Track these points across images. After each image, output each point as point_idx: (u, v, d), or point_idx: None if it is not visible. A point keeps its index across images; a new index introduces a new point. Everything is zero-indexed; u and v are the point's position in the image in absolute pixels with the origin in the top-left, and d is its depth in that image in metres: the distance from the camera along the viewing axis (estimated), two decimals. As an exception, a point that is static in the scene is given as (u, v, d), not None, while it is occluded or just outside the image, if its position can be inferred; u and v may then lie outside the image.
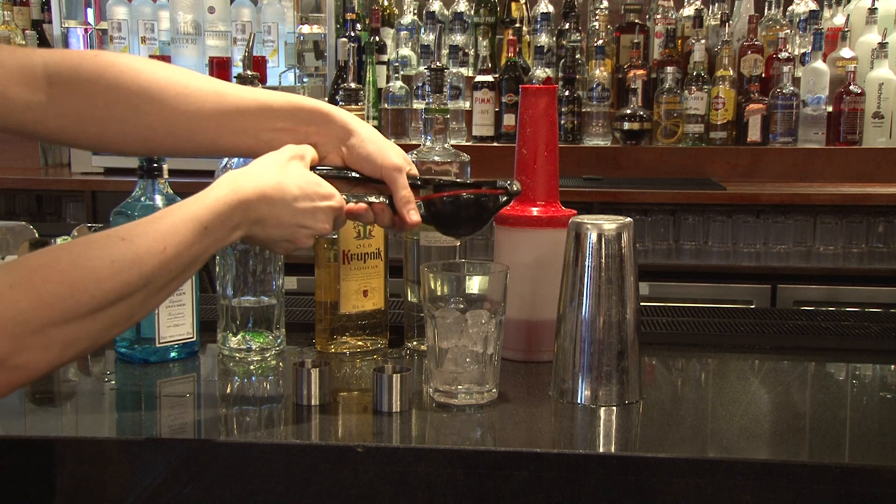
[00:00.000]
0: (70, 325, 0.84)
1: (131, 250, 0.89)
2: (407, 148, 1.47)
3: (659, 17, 3.68)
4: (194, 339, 1.36)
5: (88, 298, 0.85)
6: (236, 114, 1.12)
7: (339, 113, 1.18)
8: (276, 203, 1.04)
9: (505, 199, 1.19)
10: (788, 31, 3.58)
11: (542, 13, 3.67)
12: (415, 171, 1.18)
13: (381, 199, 1.15)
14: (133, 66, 1.09)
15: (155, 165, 1.31)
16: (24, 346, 0.81)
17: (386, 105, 3.56)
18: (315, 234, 1.09)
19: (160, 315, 1.32)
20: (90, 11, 3.85)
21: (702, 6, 3.65)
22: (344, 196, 1.12)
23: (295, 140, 1.13)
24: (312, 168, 1.13)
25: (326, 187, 1.09)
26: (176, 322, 1.34)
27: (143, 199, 1.31)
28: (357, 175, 1.17)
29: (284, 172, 1.06)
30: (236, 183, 1.02)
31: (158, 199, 1.31)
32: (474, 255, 2.74)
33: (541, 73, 3.56)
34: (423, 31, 3.72)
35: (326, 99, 3.56)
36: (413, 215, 1.15)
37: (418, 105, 3.55)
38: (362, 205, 1.14)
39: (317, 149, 1.15)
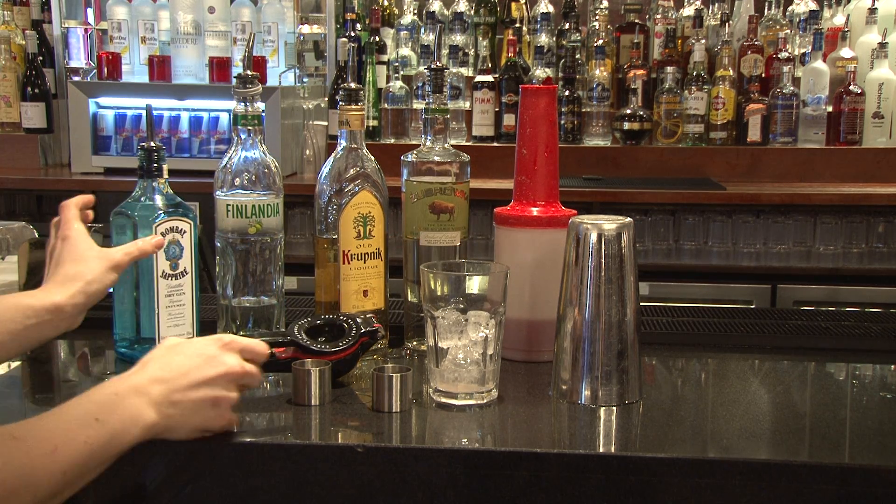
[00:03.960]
0: None
1: (21, 451, 0.85)
2: (407, 148, 1.47)
3: (659, 17, 3.68)
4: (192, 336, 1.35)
5: None
6: None
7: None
8: (168, 380, 0.99)
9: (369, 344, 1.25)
10: (788, 31, 3.58)
11: (542, 13, 3.67)
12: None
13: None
14: None
15: (155, 166, 1.31)
16: None
17: (386, 105, 3.56)
18: (221, 392, 1.03)
19: (160, 315, 1.32)
20: (90, 11, 3.85)
21: (702, 6, 3.65)
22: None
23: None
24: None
25: (220, 354, 1.04)
26: (176, 322, 1.33)
27: (143, 199, 1.31)
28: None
29: (178, 349, 1.03)
30: (123, 377, 1.00)
31: (158, 200, 1.31)
32: (474, 255, 2.74)
33: (541, 73, 3.56)
34: (423, 31, 3.71)
35: (326, 99, 3.56)
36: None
37: (418, 105, 3.55)
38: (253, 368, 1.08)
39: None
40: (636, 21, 3.67)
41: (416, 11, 3.75)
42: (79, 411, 0.93)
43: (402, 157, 1.41)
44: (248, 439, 1.05)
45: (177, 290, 1.33)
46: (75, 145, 3.39)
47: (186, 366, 1.01)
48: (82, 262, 1.17)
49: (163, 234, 1.28)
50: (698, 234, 3.16)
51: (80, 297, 1.15)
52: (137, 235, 1.28)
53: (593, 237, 1.19)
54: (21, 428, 0.88)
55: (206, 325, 1.41)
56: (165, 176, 1.32)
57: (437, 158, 1.40)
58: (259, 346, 1.10)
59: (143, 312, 1.31)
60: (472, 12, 3.73)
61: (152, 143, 1.33)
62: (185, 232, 1.31)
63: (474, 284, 1.20)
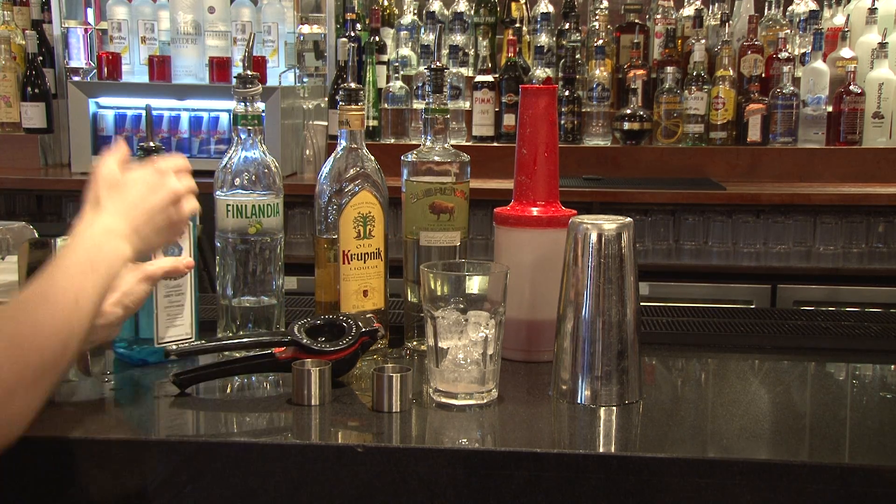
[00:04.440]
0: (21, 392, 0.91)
1: (55, 311, 0.96)
2: (407, 148, 1.47)
3: (659, 17, 3.68)
4: (193, 338, 1.35)
5: (33, 370, 0.92)
6: None
7: None
8: (130, 216, 1.10)
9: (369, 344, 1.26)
10: (788, 31, 3.58)
11: (542, 13, 3.67)
12: None
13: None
14: None
15: (155, 156, 1.29)
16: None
17: (386, 105, 3.56)
18: (173, 213, 1.15)
19: (159, 315, 1.32)
20: (90, 11, 3.85)
21: (702, 6, 3.65)
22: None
23: None
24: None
25: (161, 180, 1.16)
26: (175, 322, 1.33)
27: None
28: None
29: (122, 184, 1.13)
30: (91, 222, 1.08)
31: None
32: (474, 255, 2.74)
33: (541, 73, 3.56)
34: (423, 31, 3.71)
35: (326, 99, 3.56)
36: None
37: (418, 105, 3.55)
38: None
39: None
40: (636, 21, 3.66)
41: (416, 11, 3.75)
42: (76, 264, 1.01)
43: (402, 157, 1.41)
44: (248, 439, 1.05)
45: (175, 290, 1.32)
46: (75, 145, 3.39)
47: (139, 198, 1.12)
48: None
49: None
50: (698, 234, 3.16)
51: (117, 307, 1.19)
52: None
53: (593, 237, 1.19)
54: (38, 289, 0.97)
55: (206, 325, 1.41)
56: None
57: (437, 158, 1.40)
58: (178, 160, 1.20)
59: (142, 312, 1.30)
60: (472, 12, 3.73)
61: (151, 143, 1.33)
62: (183, 233, 1.29)
63: (474, 284, 1.20)
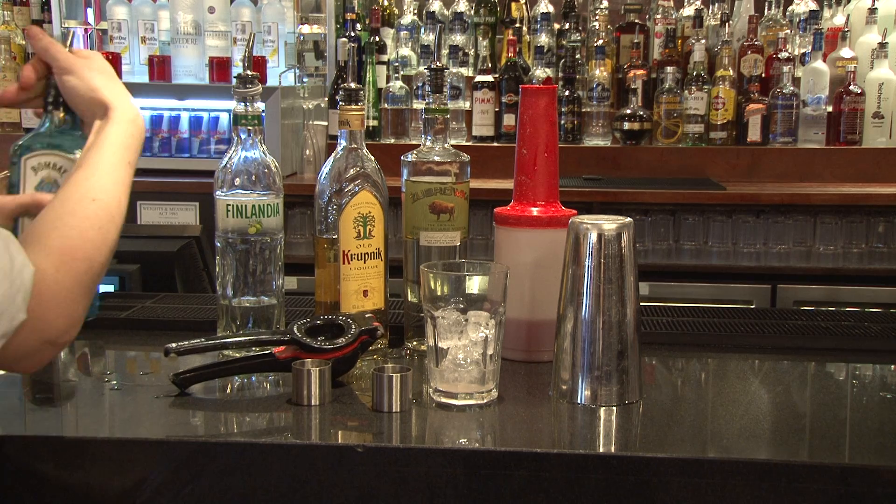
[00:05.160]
0: (90, 292, 1.02)
1: (103, 211, 1.05)
2: (407, 148, 1.47)
3: (659, 17, 3.68)
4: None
5: (99, 267, 1.03)
6: None
7: None
8: (115, 84, 1.16)
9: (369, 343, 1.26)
10: (788, 31, 3.58)
11: (542, 13, 3.67)
12: None
13: None
14: None
15: (54, 94, 1.16)
16: (74, 324, 1.00)
17: (386, 105, 3.56)
18: None
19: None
20: (90, 11, 3.85)
21: (702, 6, 3.65)
22: None
23: None
24: None
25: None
26: None
27: (39, 129, 1.16)
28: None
29: (103, 66, 1.18)
30: (113, 114, 1.12)
31: (47, 130, 1.15)
32: (474, 255, 2.74)
33: (541, 73, 3.56)
34: (423, 31, 3.71)
35: (326, 99, 3.56)
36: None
37: (418, 105, 3.55)
38: None
39: None
40: (636, 21, 3.67)
41: (416, 11, 3.75)
42: (117, 161, 1.09)
43: (402, 157, 1.41)
44: (248, 439, 1.05)
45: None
46: (75, 145, 3.39)
47: (106, 71, 1.17)
48: None
49: (33, 169, 1.13)
50: (698, 234, 3.16)
51: None
52: (13, 170, 1.14)
53: (593, 237, 1.19)
54: (85, 187, 1.05)
55: (206, 325, 1.41)
56: (73, 115, 1.17)
57: (437, 158, 1.40)
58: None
59: None
60: (472, 12, 3.73)
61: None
62: (65, 170, 1.13)
63: (474, 284, 1.20)
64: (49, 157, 1.13)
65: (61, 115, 1.16)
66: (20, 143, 1.15)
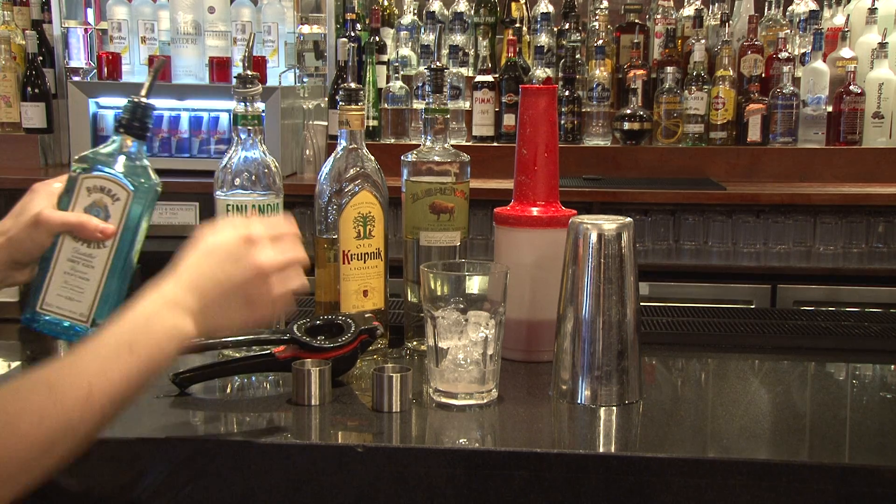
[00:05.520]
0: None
1: (57, 402, 0.84)
2: (407, 148, 1.47)
3: (659, 17, 3.68)
4: (87, 325, 1.10)
5: (17, 461, 0.82)
6: None
7: None
8: (202, 289, 0.95)
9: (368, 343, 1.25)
10: (788, 31, 3.58)
11: (542, 13, 3.67)
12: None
13: None
14: None
15: (128, 119, 1.14)
16: None
17: (386, 105, 3.56)
18: (254, 291, 0.97)
19: (52, 277, 1.09)
20: (90, 11, 3.85)
21: (702, 6, 3.65)
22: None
23: None
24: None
25: (249, 252, 0.98)
26: (70, 295, 1.10)
27: (104, 150, 1.13)
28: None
29: (209, 255, 0.98)
30: (155, 289, 0.95)
31: (115, 156, 1.12)
32: (474, 255, 2.73)
33: (541, 73, 3.56)
34: (423, 31, 3.71)
35: (326, 99, 3.56)
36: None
37: (418, 105, 3.55)
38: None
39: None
40: (636, 21, 3.66)
41: (416, 11, 3.75)
42: (111, 343, 0.90)
43: (402, 157, 1.41)
44: (248, 439, 1.05)
45: (84, 259, 1.09)
46: (75, 145, 3.39)
47: (218, 271, 0.96)
48: (11, 217, 1.11)
49: (87, 190, 1.09)
50: (698, 234, 3.16)
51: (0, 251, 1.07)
52: (70, 182, 1.11)
53: (593, 237, 1.19)
54: (56, 372, 0.86)
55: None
56: (140, 141, 1.14)
57: (437, 158, 1.40)
58: (281, 222, 1.03)
59: (39, 267, 1.11)
60: (472, 12, 3.73)
61: (142, 99, 1.16)
62: (118, 198, 1.09)
63: (474, 284, 1.20)
64: (104, 182, 1.10)
65: (128, 141, 1.13)
66: (85, 155, 1.11)
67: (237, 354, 1.26)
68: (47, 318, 1.09)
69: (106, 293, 1.10)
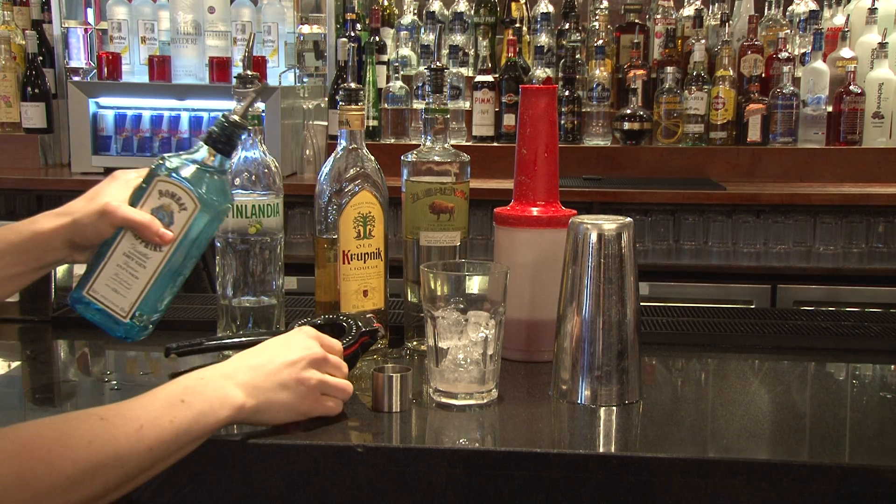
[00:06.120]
0: (46, 500, 0.84)
1: (107, 430, 0.89)
2: (407, 148, 1.47)
3: (659, 17, 3.68)
4: (126, 321, 1.14)
5: (64, 478, 0.85)
6: None
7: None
8: (255, 366, 1.04)
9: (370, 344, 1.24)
10: (788, 31, 3.58)
11: (542, 13, 3.67)
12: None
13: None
14: None
15: (218, 135, 1.15)
16: None
17: (386, 105, 3.56)
18: (304, 373, 1.07)
19: (105, 268, 1.12)
20: (90, 11, 3.85)
21: (702, 6, 3.65)
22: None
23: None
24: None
25: (303, 340, 1.10)
26: (117, 288, 1.13)
27: (187, 156, 1.15)
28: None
29: (266, 344, 1.09)
30: (221, 363, 1.06)
31: (192, 165, 1.13)
32: (474, 255, 2.73)
33: (541, 73, 3.56)
34: (423, 31, 3.72)
35: (326, 99, 3.56)
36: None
37: (418, 105, 3.55)
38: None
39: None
40: (636, 21, 3.67)
41: (416, 11, 3.75)
42: (166, 393, 0.96)
43: (402, 157, 1.41)
44: (248, 439, 1.05)
45: (138, 257, 1.12)
46: (75, 145, 3.39)
47: (271, 351, 1.07)
48: (84, 199, 1.13)
49: (159, 192, 1.12)
50: (698, 234, 3.16)
51: (63, 230, 1.11)
52: (147, 178, 1.14)
53: (593, 237, 1.19)
54: (108, 410, 0.91)
55: (206, 325, 1.41)
56: (224, 158, 1.15)
57: (437, 158, 1.40)
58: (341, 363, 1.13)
59: (97, 252, 1.13)
60: (472, 12, 3.73)
61: (235, 118, 1.16)
62: (185, 208, 1.12)
63: (474, 284, 1.20)
64: (176, 189, 1.12)
65: (213, 155, 1.14)
66: (170, 156, 1.14)
67: None
68: (91, 303, 1.13)
69: (150, 295, 1.13)
